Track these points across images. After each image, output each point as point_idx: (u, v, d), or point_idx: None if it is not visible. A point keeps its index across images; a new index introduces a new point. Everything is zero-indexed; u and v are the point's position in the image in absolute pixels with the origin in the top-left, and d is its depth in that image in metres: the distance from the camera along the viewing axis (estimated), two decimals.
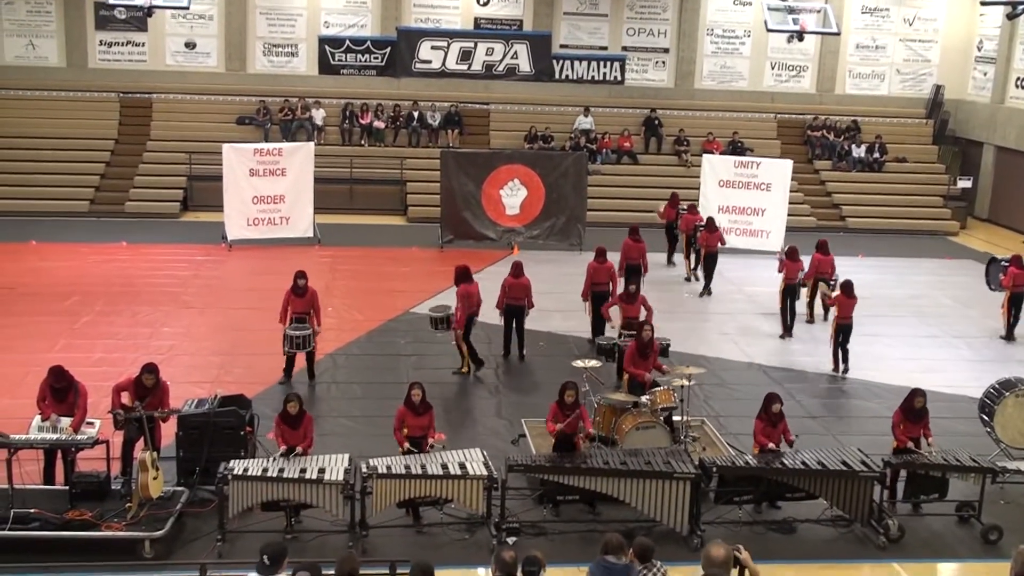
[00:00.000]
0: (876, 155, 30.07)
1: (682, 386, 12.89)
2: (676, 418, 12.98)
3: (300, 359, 15.19)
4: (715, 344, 17.85)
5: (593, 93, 30.13)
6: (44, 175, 26.73)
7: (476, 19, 30.44)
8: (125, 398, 11.17)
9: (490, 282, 17.46)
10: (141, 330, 17.32)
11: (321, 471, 10.45)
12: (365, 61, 28.31)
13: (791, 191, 25.05)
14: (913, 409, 11.74)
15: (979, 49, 31.34)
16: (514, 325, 16.60)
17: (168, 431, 11.66)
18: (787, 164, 24.64)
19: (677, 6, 30.97)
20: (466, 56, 27.51)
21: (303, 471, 10.45)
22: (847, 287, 16.23)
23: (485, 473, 10.59)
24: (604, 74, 29.18)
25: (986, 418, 13.16)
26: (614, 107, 30.64)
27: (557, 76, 28.95)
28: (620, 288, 18.54)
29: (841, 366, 16.41)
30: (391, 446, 11.63)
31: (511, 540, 10.54)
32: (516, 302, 16.40)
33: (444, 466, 10.69)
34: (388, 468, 10.58)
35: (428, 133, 29.34)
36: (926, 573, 10.89)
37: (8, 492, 10.29)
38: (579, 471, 10.93)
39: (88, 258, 21.82)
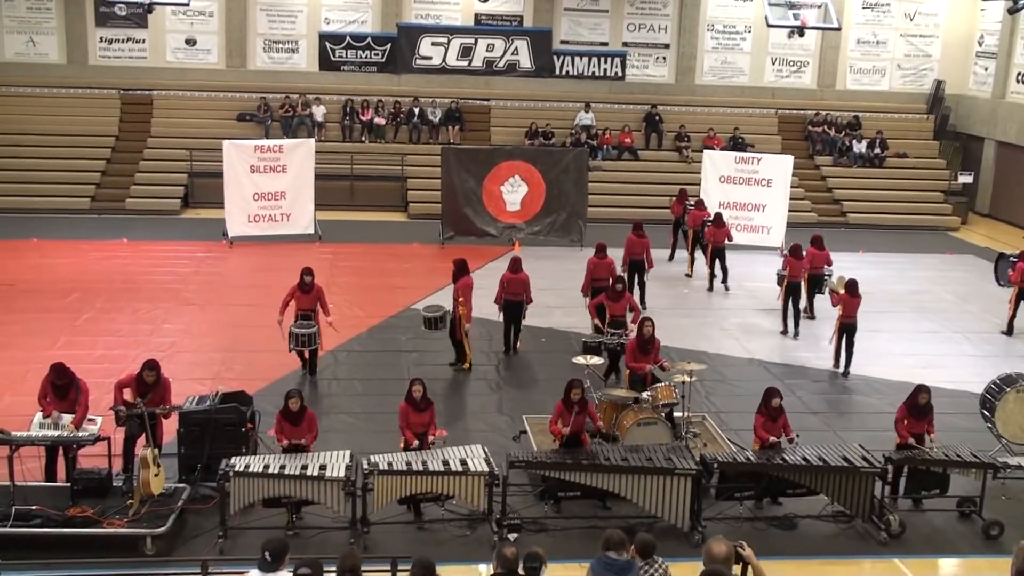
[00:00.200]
0: (877, 150, 30.05)
1: (683, 382, 12.89)
2: (677, 414, 12.99)
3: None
4: (716, 340, 17.84)
5: (594, 89, 30.11)
6: (45, 172, 26.73)
7: (476, 15, 30.43)
8: (127, 394, 11.18)
9: (491, 279, 17.45)
10: (142, 327, 17.33)
11: (322, 468, 10.45)
12: (365, 57, 28.28)
13: (792, 187, 25.04)
14: (918, 405, 11.73)
15: (980, 44, 31.32)
16: (512, 321, 16.60)
17: (169, 428, 11.67)
18: (788, 160, 24.64)
19: (677, 2, 30.95)
20: (466, 52, 27.48)
21: (304, 468, 10.45)
22: (851, 286, 16.04)
23: (486, 469, 10.60)
24: (605, 70, 29.15)
25: (987, 414, 13.15)
26: (615, 103, 30.64)
27: (558, 72, 28.91)
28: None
29: (843, 366, 16.24)
30: (392, 442, 11.65)
31: (512, 536, 10.53)
32: (515, 297, 16.40)
33: (445, 462, 10.69)
34: (389, 464, 10.59)
35: (429, 129, 29.34)
36: (927, 569, 10.89)
37: (10, 489, 10.30)
38: (580, 467, 10.93)
39: (89, 255, 21.82)
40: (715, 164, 24.61)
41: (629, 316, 15.33)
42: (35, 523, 10.17)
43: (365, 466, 10.55)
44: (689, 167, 28.42)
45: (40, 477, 11.15)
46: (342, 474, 10.37)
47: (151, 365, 11.28)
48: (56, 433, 10.99)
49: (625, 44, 30.95)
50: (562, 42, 30.31)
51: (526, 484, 11.65)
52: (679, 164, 29.31)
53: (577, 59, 29.34)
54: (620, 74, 29.67)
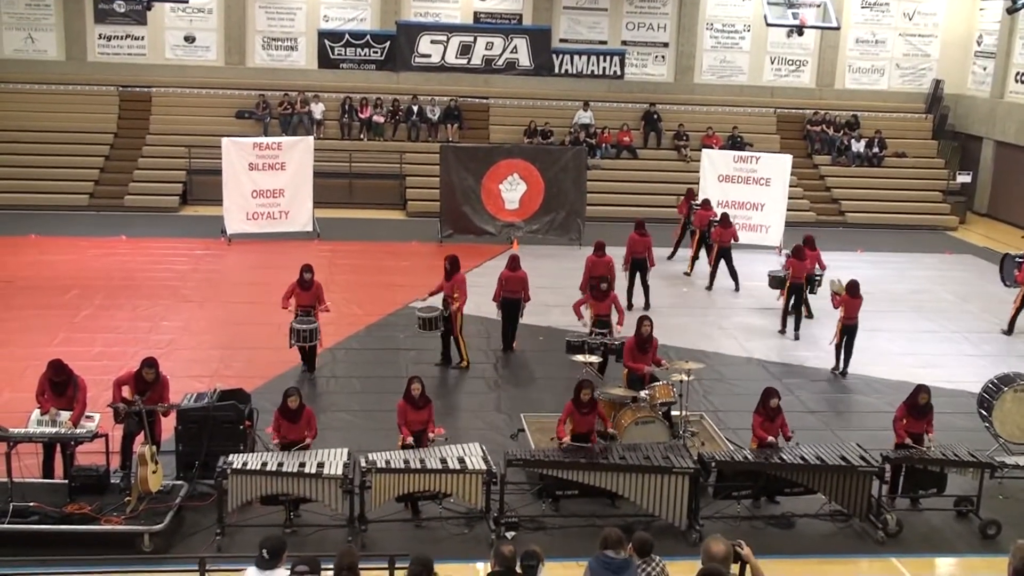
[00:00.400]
0: (875, 150, 30.07)
1: (681, 381, 12.90)
2: (675, 413, 12.99)
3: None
4: (714, 339, 17.85)
5: (592, 88, 30.11)
6: (44, 169, 26.68)
7: (475, 13, 30.43)
8: (126, 392, 11.18)
9: (489, 277, 17.46)
10: (141, 324, 17.32)
11: (320, 465, 10.45)
12: (364, 55, 28.24)
13: (790, 186, 25.07)
14: (917, 405, 11.73)
15: (979, 44, 31.32)
16: (509, 318, 16.59)
17: (167, 425, 11.66)
18: (786, 159, 24.65)
19: (677, 1, 30.94)
20: (465, 50, 27.47)
21: (302, 465, 10.46)
22: (852, 287, 15.92)
23: (484, 468, 10.60)
24: (603, 69, 29.12)
25: (985, 413, 13.17)
26: (613, 102, 30.63)
27: (556, 71, 28.89)
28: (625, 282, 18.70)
29: (841, 366, 16.19)
30: (390, 440, 11.65)
31: (510, 535, 10.53)
32: (512, 295, 16.39)
33: (443, 461, 10.69)
34: (387, 462, 10.59)
35: (427, 127, 29.34)
36: (924, 568, 10.90)
37: (7, 486, 10.30)
38: (578, 466, 10.94)
39: (87, 252, 21.81)
40: (714, 163, 24.62)
41: (633, 315, 15.32)
42: (33, 520, 10.17)
43: (363, 464, 10.55)
44: (688, 166, 28.43)
45: (38, 474, 11.16)
46: (340, 472, 10.38)
47: (150, 363, 11.28)
48: (54, 430, 10.99)
49: (624, 43, 30.94)
50: (561, 40, 30.30)
51: (524, 482, 11.66)
52: (678, 163, 29.32)
53: (576, 58, 29.31)
54: (619, 73, 29.63)
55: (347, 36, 28.21)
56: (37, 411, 11.18)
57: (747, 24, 31.26)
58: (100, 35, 29.49)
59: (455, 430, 12.95)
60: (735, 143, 28.66)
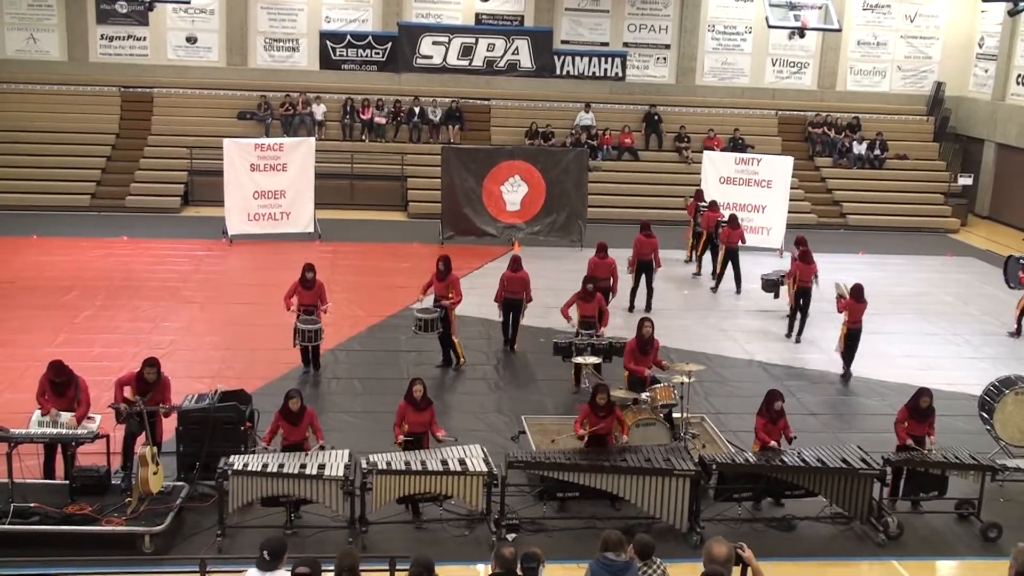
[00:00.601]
0: (877, 152, 30.06)
1: (682, 383, 12.89)
2: (676, 415, 12.98)
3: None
4: (715, 341, 17.84)
5: (594, 89, 30.10)
6: (45, 169, 26.69)
7: (477, 15, 30.44)
8: (127, 392, 11.18)
9: (491, 278, 17.45)
10: (142, 325, 17.32)
11: (321, 467, 10.44)
12: (366, 56, 28.21)
13: (792, 188, 25.06)
14: (919, 409, 11.71)
15: (980, 46, 31.32)
16: (511, 318, 16.60)
17: (168, 426, 11.67)
18: (788, 161, 24.65)
19: (678, 2, 30.94)
20: (467, 52, 27.44)
21: (303, 467, 10.45)
22: (857, 291, 15.78)
23: (485, 469, 10.60)
24: (605, 70, 29.08)
25: (986, 416, 13.17)
26: (615, 103, 30.64)
27: (558, 72, 28.83)
28: (629, 283, 18.66)
29: (843, 368, 16.16)
30: (391, 442, 11.64)
31: (511, 536, 10.54)
32: (514, 296, 16.39)
33: (444, 462, 10.69)
34: (388, 464, 10.59)
35: (429, 129, 29.35)
36: (925, 571, 10.90)
37: (8, 486, 10.30)
38: (579, 468, 10.93)
39: (89, 252, 21.81)
40: (715, 165, 24.62)
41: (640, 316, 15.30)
42: (33, 520, 10.18)
43: (364, 465, 10.55)
44: (689, 168, 28.43)
45: (39, 474, 11.16)
46: (341, 473, 10.37)
47: (152, 363, 11.28)
48: (55, 430, 10.98)
49: (626, 44, 30.95)
50: (563, 42, 30.30)
51: (524, 484, 11.65)
52: (679, 165, 29.32)
53: (578, 59, 29.24)
54: (620, 74, 29.57)
55: (349, 37, 28.17)
56: (38, 412, 11.18)
57: (748, 26, 31.25)
58: (102, 36, 29.50)
59: (456, 432, 12.92)
60: (736, 145, 28.65)
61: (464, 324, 17.07)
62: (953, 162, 30.98)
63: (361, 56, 28.12)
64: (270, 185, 23.56)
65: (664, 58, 31.40)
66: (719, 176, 24.24)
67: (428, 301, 16.05)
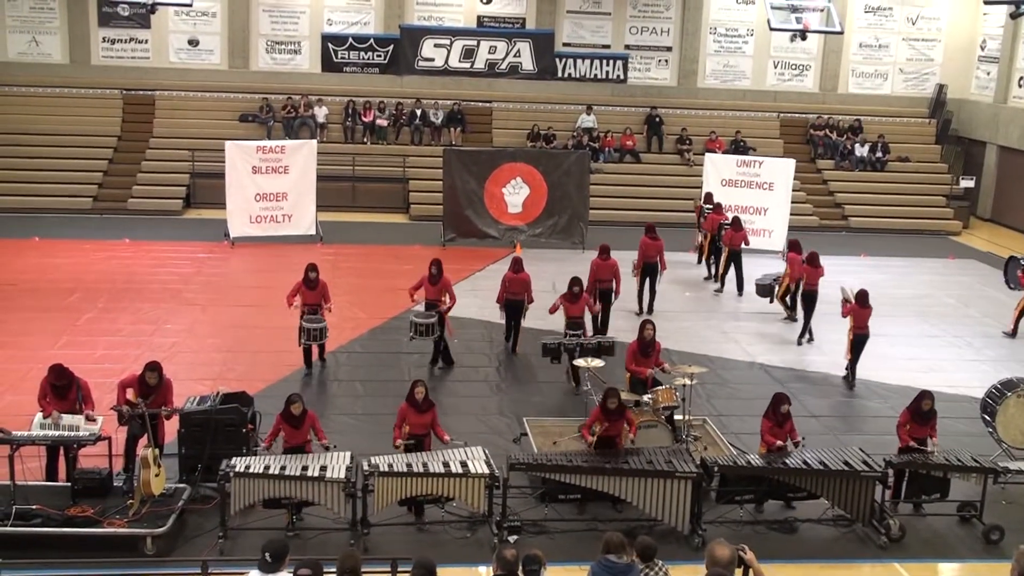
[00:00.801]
0: (879, 154, 30.06)
1: (684, 385, 12.89)
2: (678, 417, 12.97)
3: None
4: (717, 343, 17.83)
5: (596, 91, 30.11)
6: (47, 172, 26.74)
7: (479, 17, 30.47)
8: (130, 394, 11.18)
9: (492, 280, 17.45)
10: (143, 327, 17.33)
11: (323, 469, 10.45)
12: (368, 59, 28.25)
13: (794, 190, 25.03)
14: (921, 411, 11.70)
15: (982, 48, 31.31)
16: (513, 320, 16.59)
17: (171, 428, 11.66)
18: (790, 163, 24.65)
19: (680, 5, 30.96)
20: (469, 54, 27.47)
21: (305, 469, 10.46)
22: (862, 296, 15.65)
23: (487, 471, 10.60)
24: (607, 72, 29.11)
25: (988, 418, 13.15)
26: (617, 106, 30.64)
27: (560, 74, 28.86)
28: (632, 286, 18.64)
29: (845, 371, 16.10)
30: (392, 444, 11.64)
31: (512, 538, 10.53)
32: (516, 297, 16.40)
33: (446, 464, 10.69)
34: (390, 466, 10.59)
35: (431, 131, 29.37)
36: (927, 573, 10.89)
37: (10, 488, 10.30)
38: (581, 470, 10.93)
39: (91, 255, 21.83)
40: (717, 167, 24.62)
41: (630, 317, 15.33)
42: (35, 522, 10.18)
43: (365, 467, 10.55)
44: (691, 170, 28.42)
45: (41, 477, 11.16)
46: (342, 475, 10.38)
47: (153, 366, 11.28)
48: (57, 433, 10.99)
49: (627, 47, 30.96)
50: (564, 44, 30.33)
51: (526, 486, 11.65)
52: (681, 167, 29.32)
53: (579, 61, 29.27)
54: (622, 77, 29.59)
55: (350, 40, 28.23)
56: (39, 414, 11.18)
57: (750, 28, 31.26)
58: (104, 38, 29.54)
59: (457, 433, 12.91)
60: (738, 147, 28.65)
61: (466, 326, 17.08)
62: (955, 164, 30.97)
63: (363, 58, 28.17)
64: (272, 187, 23.58)
65: (666, 60, 31.41)
66: (721, 178, 24.23)
67: (420, 307, 16.03)
